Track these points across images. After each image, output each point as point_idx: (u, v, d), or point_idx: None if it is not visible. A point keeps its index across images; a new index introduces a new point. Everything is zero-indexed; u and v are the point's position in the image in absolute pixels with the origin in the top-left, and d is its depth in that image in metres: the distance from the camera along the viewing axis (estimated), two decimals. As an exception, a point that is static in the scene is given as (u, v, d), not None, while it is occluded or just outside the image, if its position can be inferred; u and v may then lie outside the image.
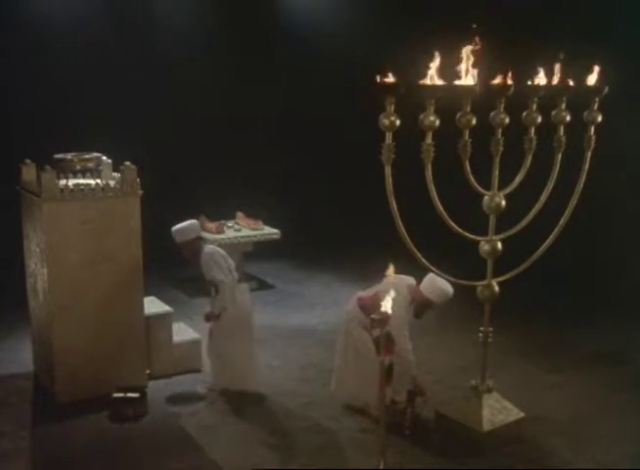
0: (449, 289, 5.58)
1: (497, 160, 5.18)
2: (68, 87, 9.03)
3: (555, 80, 5.19)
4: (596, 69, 5.21)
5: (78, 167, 6.15)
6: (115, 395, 5.74)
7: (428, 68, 4.58)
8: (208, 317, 6.15)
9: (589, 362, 6.86)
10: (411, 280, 5.72)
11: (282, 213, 9.50)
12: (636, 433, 5.58)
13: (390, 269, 4.62)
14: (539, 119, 5.24)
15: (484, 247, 5.39)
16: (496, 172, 5.23)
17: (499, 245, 5.38)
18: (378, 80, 4.53)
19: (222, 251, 6.29)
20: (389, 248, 6.19)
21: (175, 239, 6.24)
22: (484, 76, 4.84)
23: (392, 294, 4.30)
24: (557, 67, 5.14)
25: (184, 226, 6.25)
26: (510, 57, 5.00)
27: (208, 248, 6.20)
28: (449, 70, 4.69)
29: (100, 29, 9.36)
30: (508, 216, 5.44)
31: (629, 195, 8.12)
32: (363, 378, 5.60)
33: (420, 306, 5.68)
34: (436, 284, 5.56)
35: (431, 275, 5.55)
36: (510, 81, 4.92)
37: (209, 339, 6.25)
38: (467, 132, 4.95)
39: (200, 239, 6.31)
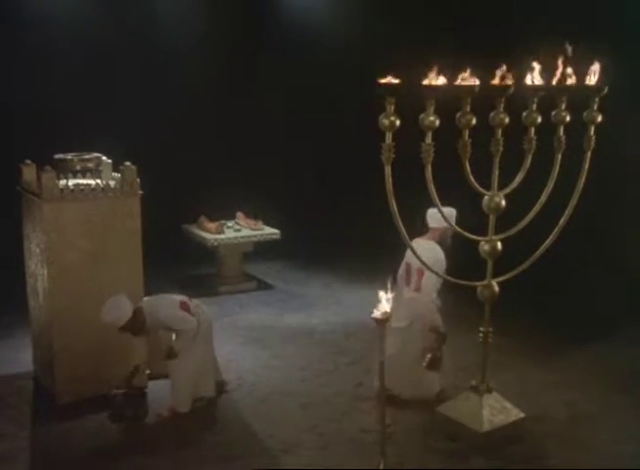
0: (449, 208, 5.69)
1: (497, 160, 5.18)
2: (68, 87, 9.01)
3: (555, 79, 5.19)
4: (595, 68, 5.20)
5: (78, 168, 6.14)
6: (116, 391, 5.73)
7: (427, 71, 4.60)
8: (170, 356, 5.80)
9: (589, 362, 6.86)
10: (420, 240, 5.88)
11: (282, 214, 9.50)
12: (636, 433, 5.58)
13: None
14: (539, 119, 5.24)
15: (484, 247, 5.39)
16: (496, 172, 5.23)
17: (499, 245, 5.38)
18: (379, 81, 4.53)
19: (160, 297, 5.98)
20: (389, 248, 6.21)
21: (116, 325, 5.58)
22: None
23: (388, 296, 4.37)
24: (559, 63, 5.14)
25: (118, 308, 5.58)
26: (509, 56, 5.00)
27: (153, 309, 5.77)
28: (449, 70, 4.70)
29: (100, 29, 9.35)
30: (508, 216, 5.44)
31: (630, 195, 8.12)
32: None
33: (442, 239, 5.87)
34: (439, 214, 5.61)
35: (429, 211, 5.79)
36: (509, 81, 4.93)
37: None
38: (467, 132, 4.96)
39: (137, 309, 5.70)
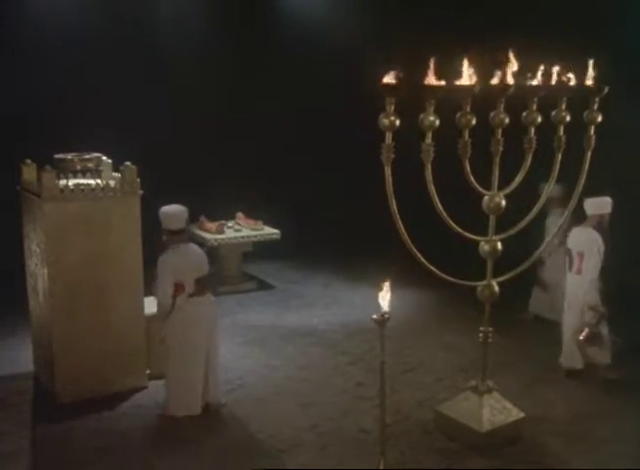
0: (604, 197, 6.36)
1: (497, 160, 5.18)
2: (68, 87, 9.02)
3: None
4: (594, 68, 5.21)
5: (79, 167, 6.15)
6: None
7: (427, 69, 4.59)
8: (161, 341, 5.74)
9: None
10: (579, 227, 6.43)
11: (282, 214, 9.50)
12: (635, 433, 5.58)
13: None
14: (539, 119, 5.24)
15: (484, 247, 5.39)
16: (496, 172, 5.23)
17: (499, 245, 5.38)
18: (380, 81, 4.53)
19: (192, 251, 5.79)
20: (389, 248, 6.21)
21: (172, 224, 5.75)
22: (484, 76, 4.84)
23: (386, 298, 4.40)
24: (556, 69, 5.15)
25: (182, 215, 5.81)
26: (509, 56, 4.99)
27: (170, 252, 5.71)
28: (449, 69, 4.69)
29: (100, 29, 9.37)
30: (508, 216, 5.44)
31: (630, 194, 8.11)
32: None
33: (600, 225, 6.40)
34: (598, 202, 6.35)
35: (587, 200, 6.27)
36: (510, 81, 4.93)
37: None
38: (467, 132, 4.95)
39: (175, 234, 5.75)
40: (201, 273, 5.77)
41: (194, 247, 5.93)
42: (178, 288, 5.70)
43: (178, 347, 5.73)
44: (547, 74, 5.10)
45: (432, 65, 4.55)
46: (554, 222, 7.50)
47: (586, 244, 6.32)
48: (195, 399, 5.80)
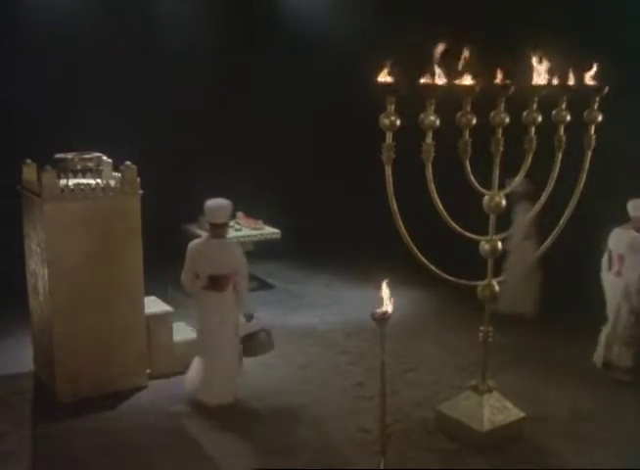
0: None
1: (497, 159, 5.18)
2: (68, 87, 9.02)
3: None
4: (595, 68, 5.21)
5: (79, 167, 6.16)
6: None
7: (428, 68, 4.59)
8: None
9: (589, 362, 6.85)
10: (619, 229, 6.51)
11: (282, 213, 9.49)
12: (636, 433, 5.58)
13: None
14: (540, 119, 5.23)
15: (485, 246, 5.39)
16: (496, 172, 5.23)
17: (499, 244, 5.38)
18: (379, 80, 4.53)
19: (216, 248, 5.91)
20: (390, 248, 6.21)
21: (216, 217, 6.02)
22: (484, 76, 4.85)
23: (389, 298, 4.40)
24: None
25: (213, 206, 6.05)
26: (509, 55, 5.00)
27: (195, 242, 6.05)
28: (449, 68, 4.70)
29: (100, 28, 9.36)
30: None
31: (630, 194, 8.11)
32: None
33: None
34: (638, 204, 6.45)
35: (631, 202, 6.45)
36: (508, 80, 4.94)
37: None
38: (467, 132, 4.95)
39: (216, 227, 5.98)
40: (215, 271, 5.88)
41: (225, 244, 6.06)
42: (196, 278, 5.94)
43: (198, 333, 6.07)
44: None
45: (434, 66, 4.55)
46: (521, 216, 7.48)
47: (627, 246, 6.39)
48: (217, 389, 5.92)
